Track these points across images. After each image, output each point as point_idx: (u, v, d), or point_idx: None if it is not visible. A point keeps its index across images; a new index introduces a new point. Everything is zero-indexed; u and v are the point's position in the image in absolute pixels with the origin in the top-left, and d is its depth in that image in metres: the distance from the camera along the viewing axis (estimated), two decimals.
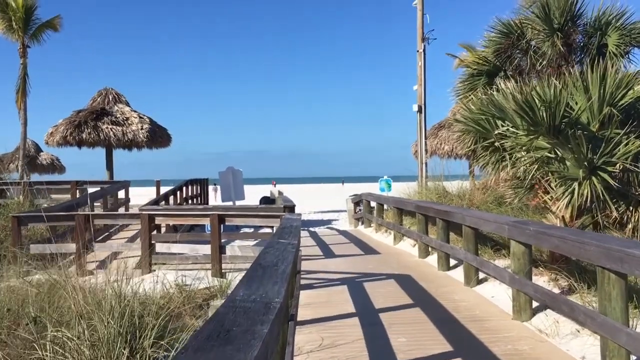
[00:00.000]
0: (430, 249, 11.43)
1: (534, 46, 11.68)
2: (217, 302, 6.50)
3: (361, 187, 48.22)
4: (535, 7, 11.48)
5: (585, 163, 6.45)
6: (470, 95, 11.97)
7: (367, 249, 13.17)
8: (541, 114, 6.81)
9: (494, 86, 11.46)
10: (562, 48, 10.86)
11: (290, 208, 10.86)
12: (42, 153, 32.13)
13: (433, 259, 11.13)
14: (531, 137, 7.01)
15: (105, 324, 4.82)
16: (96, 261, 11.13)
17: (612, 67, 7.59)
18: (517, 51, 12.20)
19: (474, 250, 8.51)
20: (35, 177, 31.79)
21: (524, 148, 7.38)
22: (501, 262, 9.00)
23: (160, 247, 9.36)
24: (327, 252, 12.80)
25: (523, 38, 11.85)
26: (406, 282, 8.98)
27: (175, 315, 6.24)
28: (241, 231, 12.86)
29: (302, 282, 8.92)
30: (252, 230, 12.54)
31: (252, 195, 29.89)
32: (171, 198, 14.39)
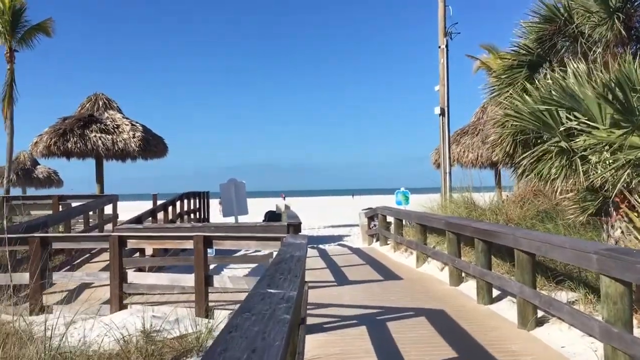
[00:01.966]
0: (464, 274, 9.50)
1: (587, 33, 9.83)
2: None
3: (372, 200, 46.26)
4: None
5: None
6: (508, 92, 10.12)
7: (387, 273, 11.25)
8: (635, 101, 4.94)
9: (539, 79, 9.64)
10: (622, 32, 9.00)
11: (295, 226, 8.98)
12: (38, 166, 30.56)
13: (468, 287, 9.21)
14: (623, 131, 5.12)
15: None
16: (65, 291, 9.34)
17: None
18: (564, 39, 10.36)
19: (531, 282, 6.59)
20: (31, 191, 30.27)
21: (607, 148, 5.48)
22: (563, 296, 7.08)
23: (134, 277, 7.53)
24: (340, 277, 10.90)
25: (571, 23, 10.00)
26: (441, 322, 7.06)
27: None
28: (240, 252, 10.99)
29: (310, 320, 7.04)
30: (252, 251, 10.68)
31: (260, 209, 28.04)
32: (161, 214, 12.58)
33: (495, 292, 8.22)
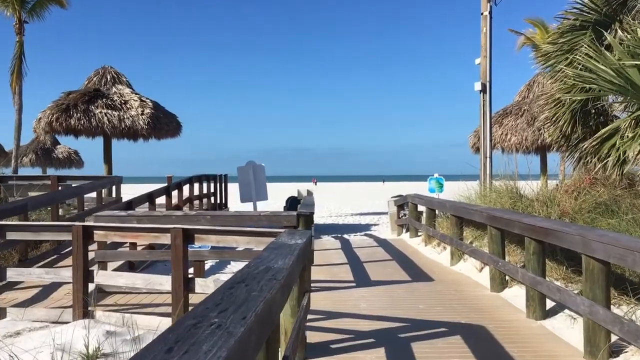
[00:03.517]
0: (509, 278, 7.88)
1: None
2: None
3: (403, 187, 44.40)
4: None
5: None
6: (568, 58, 8.34)
7: (415, 272, 9.69)
8: None
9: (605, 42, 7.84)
10: None
11: (306, 217, 7.49)
12: (58, 146, 29.82)
13: (513, 294, 7.62)
14: None
15: None
16: (39, 287, 8.09)
17: None
18: None
19: (604, 299, 4.98)
20: (51, 171, 29.57)
21: None
22: None
23: (102, 277, 6.16)
24: (360, 276, 9.39)
25: None
26: (483, 344, 5.51)
27: None
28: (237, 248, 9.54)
29: (314, 337, 5.62)
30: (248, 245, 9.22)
31: (287, 194, 26.64)
32: (161, 199, 11.19)
33: (550, 303, 6.60)
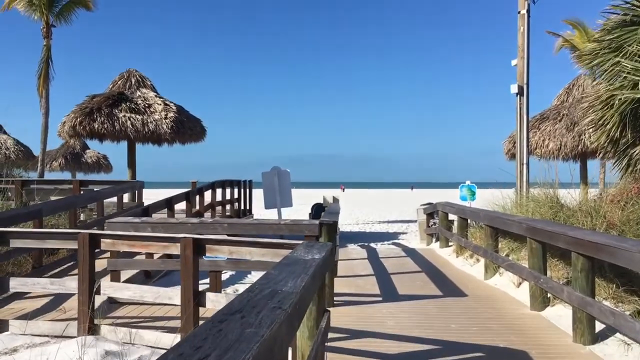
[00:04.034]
0: (551, 296, 7.20)
1: None
2: None
3: (432, 194, 43.51)
4: None
5: None
6: (621, 54, 7.63)
7: (446, 286, 9.05)
8: None
9: None
10: None
11: (329, 226, 6.97)
12: (88, 150, 29.96)
13: (556, 313, 6.93)
14: None
15: None
16: (50, 296, 7.74)
17: None
18: None
19: None
20: (80, 175, 29.74)
21: None
22: None
23: (109, 289, 5.73)
24: (387, 289, 8.80)
25: None
26: None
27: None
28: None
29: None
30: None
31: (314, 200, 26.18)
32: (181, 205, 10.84)
33: (599, 325, 5.90)
